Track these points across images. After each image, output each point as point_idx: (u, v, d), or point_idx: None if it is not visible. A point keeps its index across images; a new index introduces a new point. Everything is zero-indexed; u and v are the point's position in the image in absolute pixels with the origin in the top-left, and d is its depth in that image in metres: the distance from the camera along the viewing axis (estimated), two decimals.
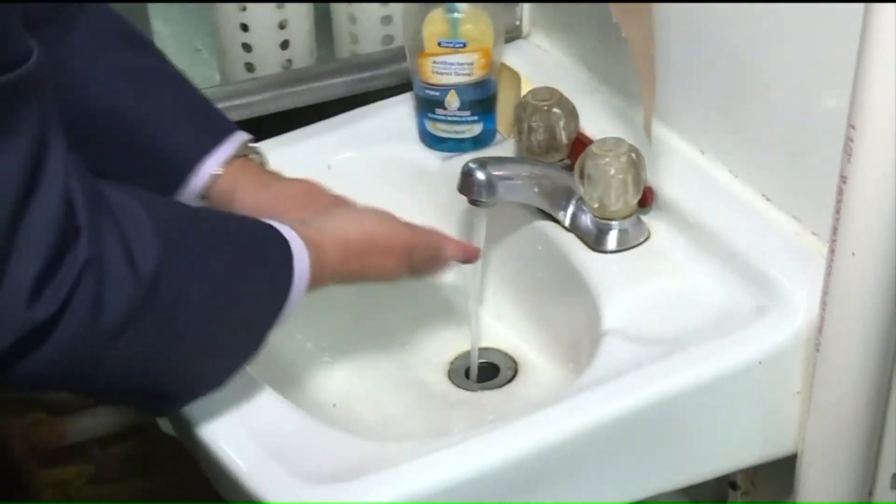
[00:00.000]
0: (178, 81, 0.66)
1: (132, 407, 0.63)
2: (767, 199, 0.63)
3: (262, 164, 0.67)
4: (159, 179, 0.62)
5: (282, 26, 0.81)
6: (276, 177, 0.66)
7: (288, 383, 0.65)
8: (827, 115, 0.55)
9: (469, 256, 0.67)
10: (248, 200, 0.63)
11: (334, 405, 0.68)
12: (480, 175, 0.64)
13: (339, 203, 0.65)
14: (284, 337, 0.60)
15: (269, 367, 0.59)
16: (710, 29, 0.63)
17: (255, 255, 0.55)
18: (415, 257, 0.62)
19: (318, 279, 0.55)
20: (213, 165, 0.63)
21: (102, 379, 0.48)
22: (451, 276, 0.71)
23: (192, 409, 0.54)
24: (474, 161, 0.65)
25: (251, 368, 0.56)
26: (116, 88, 0.63)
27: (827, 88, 0.56)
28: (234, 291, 0.52)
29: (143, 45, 0.67)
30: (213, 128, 0.65)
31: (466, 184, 0.65)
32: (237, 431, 0.55)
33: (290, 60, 0.81)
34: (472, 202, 0.66)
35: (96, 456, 1.02)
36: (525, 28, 0.83)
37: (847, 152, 0.49)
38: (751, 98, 0.62)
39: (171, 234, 0.48)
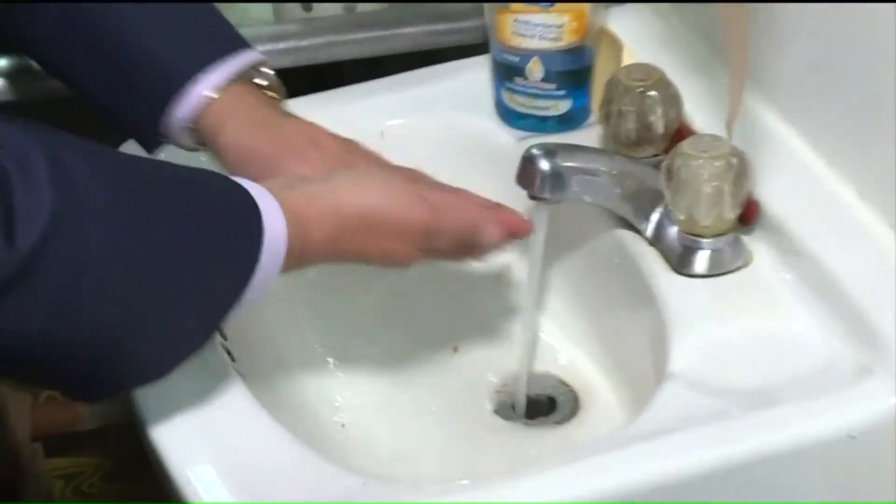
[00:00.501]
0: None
1: (58, 389, 0.62)
2: None
3: (271, 96, 0.66)
4: (143, 101, 0.63)
5: None
6: (280, 114, 0.65)
7: (288, 394, 0.67)
8: None
9: (517, 232, 0.64)
10: (235, 141, 0.62)
11: (343, 425, 0.69)
12: (544, 164, 0.63)
13: (351, 159, 0.64)
14: (289, 336, 0.62)
15: (267, 371, 0.62)
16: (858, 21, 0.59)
17: (207, 224, 0.53)
18: (438, 241, 0.61)
19: (299, 258, 0.55)
20: (206, 87, 0.62)
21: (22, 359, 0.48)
22: (506, 277, 0.73)
23: (160, 431, 0.55)
24: (539, 146, 0.64)
25: (240, 377, 0.57)
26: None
27: None
28: (171, 267, 0.50)
29: None
30: (214, 41, 0.64)
31: (526, 174, 0.65)
32: (207, 459, 0.55)
33: (353, 3, 0.83)
34: (532, 197, 0.65)
35: (115, 446, 1.01)
36: None
37: None
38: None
39: (79, 192, 0.46)
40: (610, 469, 0.54)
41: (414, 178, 0.63)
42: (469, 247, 0.63)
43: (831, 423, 0.55)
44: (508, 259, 0.73)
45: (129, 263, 0.48)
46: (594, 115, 0.75)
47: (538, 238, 0.67)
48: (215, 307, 0.53)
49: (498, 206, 0.65)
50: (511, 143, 0.75)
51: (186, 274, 0.51)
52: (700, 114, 0.69)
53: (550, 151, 0.64)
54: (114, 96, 0.64)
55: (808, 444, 0.55)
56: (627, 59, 0.73)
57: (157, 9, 0.64)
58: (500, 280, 0.74)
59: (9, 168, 0.43)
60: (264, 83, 0.66)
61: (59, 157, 0.45)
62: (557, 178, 0.64)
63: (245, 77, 0.64)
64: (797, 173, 0.65)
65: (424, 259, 0.62)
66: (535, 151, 0.64)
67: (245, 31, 0.69)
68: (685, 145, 0.63)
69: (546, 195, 0.64)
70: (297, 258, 0.54)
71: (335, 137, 0.66)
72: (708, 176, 0.61)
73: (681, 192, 0.62)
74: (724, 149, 0.62)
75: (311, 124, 0.66)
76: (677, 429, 0.56)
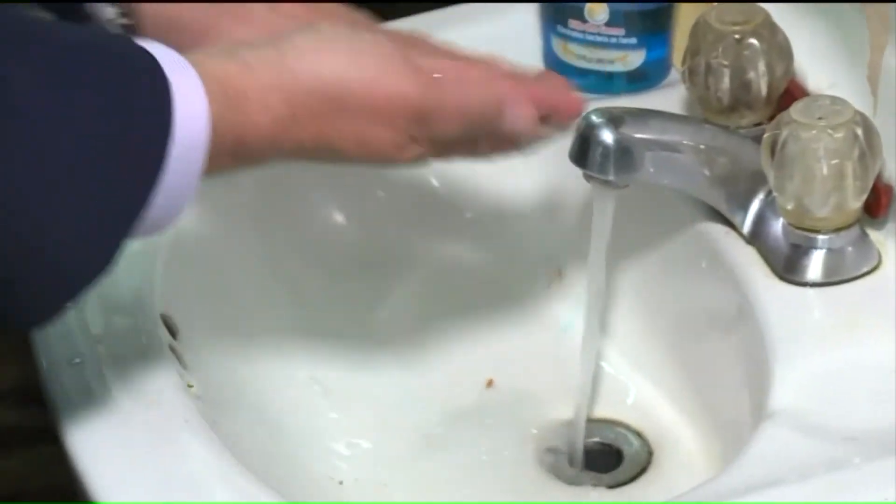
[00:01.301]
0: None
1: None
2: None
3: None
4: None
5: None
6: None
7: (264, 437, 0.69)
8: None
9: (562, 111, 0.65)
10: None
11: (340, 482, 0.72)
12: (608, 137, 0.66)
13: (316, 19, 0.64)
14: (266, 355, 0.66)
15: (234, 401, 0.65)
16: None
17: (100, 104, 0.52)
18: (440, 126, 0.60)
19: (233, 151, 0.55)
20: None
21: None
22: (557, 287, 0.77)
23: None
24: (600, 112, 0.67)
25: (195, 402, 0.61)
26: None
27: None
28: (56, 159, 0.51)
29: None
30: None
31: (584, 149, 0.67)
32: None
33: None
34: (590, 178, 0.67)
35: None
36: None
37: None
38: None
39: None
40: None
41: (408, 42, 0.63)
42: (493, 136, 0.63)
43: None
44: (559, 261, 0.78)
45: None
46: (676, 72, 0.81)
47: (601, 234, 0.70)
48: (115, 217, 0.53)
49: (536, 77, 0.66)
50: None
51: (77, 168, 0.51)
52: (817, 68, 0.73)
53: (616, 119, 0.67)
54: None
55: None
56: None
57: None
58: (548, 290, 0.78)
59: None
60: None
61: None
62: (625, 155, 0.66)
63: None
64: None
65: (426, 154, 0.62)
66: (594, 119, 0.66)
67: None
68: (795, 111, 0.66)
69: (610, 177, 0.67)
70: (230, 152, 0.55)
71: None
72: (825, 151, 0.64)
73: (789, 172, 0.65)
74: (846, 115, 0.65)
75: None
76: (781, 480, 0.57)
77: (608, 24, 0.77)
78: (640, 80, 0.79)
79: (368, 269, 0.79)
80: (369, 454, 0.75)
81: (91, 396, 0.61)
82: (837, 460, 0.58)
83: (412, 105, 0.59)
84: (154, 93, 0.52)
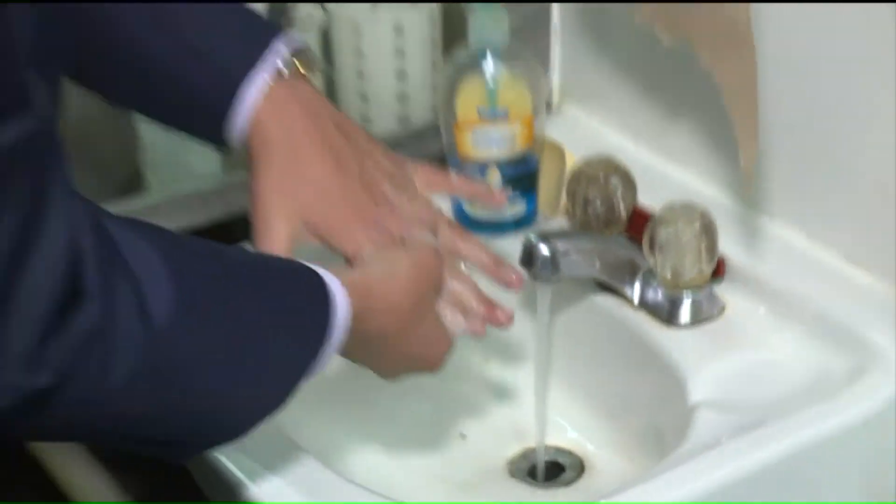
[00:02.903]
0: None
1: (141, 453, 0.79)
2: (850, 261, 0.93)
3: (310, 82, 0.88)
4: (199, 123, 0.88)
5: None
6: (320, 115, 0.88)
7: (297, 479, 0.83)
8: None
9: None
10: (267, 184, 0.86)
11: None
12: (544, 249, 0.90)
13: (376, 188, 0.88)
14: (298, 419, 0.83)
15: (273, 455, 0.82)
16: (778, 86, 0.92)
17: (286, 305, 0.74)
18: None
19: (354, 337, 0.75)
20: (256, 86, 0.85)
21: (108, 433, 0.69)
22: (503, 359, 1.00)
23: None
24: (537, 234, 0.91)
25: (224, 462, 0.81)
26: (138, 17, 0.86)
27: None
28: (258, 343, 0.71)
29: None
30: (255, 38, 0.87)
31: (529, 259, 0.91)
32: None
33: None
34: (535, 277, 0.91)
35: None
36: (556, 98, 1.15)
37: None
38: (825, 155, 0.92)
39: (188, 281, 0.66)
40: (682, 481, 0.81)
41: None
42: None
43: (846, 417, 0.84)
44: (508, 341, 1.00)
45: (228, 345, 0.69)
46: (541, 214, 1.06)
47: (543, 317, 0.94)
48: (290, 380, 0.73)
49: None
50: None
51: (269, 351, 0.72)
52: (643, 195, 0.99)
53: (546, 237, 0.91)
54: (177, 120, 0.89)
55: (830, 436, 0.84)
56: (569, 160, 1.04)
57: (189, 24, 0.87)
58: (503, 357, 1.02)
59: (130, 261, 0.63)
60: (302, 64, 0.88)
61: (170, 253, 0.66)
62: (556, 259, 0.90)
63: (285, 71, 0.87)
64: (749, 228, 0.98)
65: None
66: (533, 239, 0.91)
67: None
68: (664, 213, 0.93)
69: (548, 275, 0.91)
70: (351, 339, 0.75)
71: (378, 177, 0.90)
72: (689, 236, 0.91)
73: (665, 252, 0.92)
74: (697, 212, 0.92)
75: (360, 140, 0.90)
76: (722, 442, 0.83)
77: (501, 186, 1.01)
78: (523, 223, 1.03)
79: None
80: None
81: None
82: (754, 422, 0.84)
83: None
84: (319, 300, 0.74)
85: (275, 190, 0.86)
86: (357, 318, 0.75)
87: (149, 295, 0.62)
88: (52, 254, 0.59)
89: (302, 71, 0.89)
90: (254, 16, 0.92)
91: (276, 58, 0.87)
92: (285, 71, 0.87)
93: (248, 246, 0.86)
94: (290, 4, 1.14)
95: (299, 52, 0.89)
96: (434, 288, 0.84)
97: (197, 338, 0.66)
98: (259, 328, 0.71)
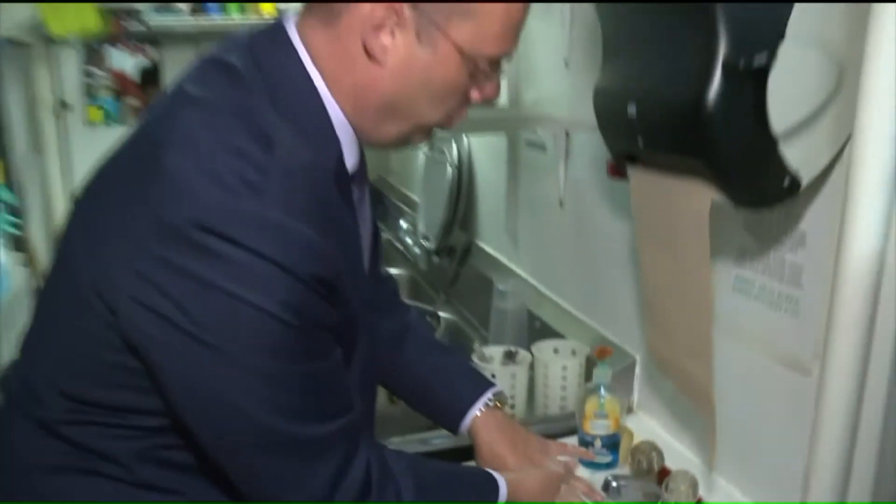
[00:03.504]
0: (458, 359, 1.95)
1: None
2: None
3: (503, 410, 1.88)
4: (445, 419, 1.85)
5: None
6: (506, 426, 1.85)
7: None
8: None
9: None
10: (486, 438, 1.80)
11: None
12: (614, 482, 1.93)
13: (536, 459, 1.85)
14: None
15: None
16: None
17: (478, 495, 1.60)
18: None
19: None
20: (472, 415, 1.83)
21: None
22: None
23: None
24: (611, 475, 1.93)
25: None
26: (423, 361, 1.88)
27: None
28: None
29: (433, 337, 1.96)
30: (477, 385, 1.86)
31: (607, 487, 1.93)
32: None
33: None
34: (607, 497, 1.94)
35: None
36: (634, 407, 2.22)
37: None
38: (747, 448, 1.95)
39: (425, 489, 1.40)
40: None
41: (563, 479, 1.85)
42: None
43: None
44: None
45: None
46: (620, 464, 2.07)
47: None
48: None
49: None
50: (586, 474, 2.03)
51: None
52: (669, 461, 2.00)
53: (616, 477, 1.93)
54: (433, 416, 1.89)
55: None
56: (636, 439, 2.07)
57: (448, 372, 1.90)
58: None
59: (374, 475, 1.38)
60: (499, 402, 1.89)
61: (416, 470, 1.57)
62: (619, 488, 1.91)
63: (490, 404, 1.87)
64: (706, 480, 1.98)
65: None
66: (609, 477, 1.91)
67: None
68: (673, 475, 1.88)
69: (615, 497, 1.92)
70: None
71: (530, 438, 1.92)
72: (685, 488, 1.87)
73: (671, 493, 1.90)
74: (689, 477, 1.88)
75: (518, 430, 1.91)
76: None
77: (602, 446, 2.03)
78: (611, 465, 2.03)
79: None
80: None
81: None
82: None
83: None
84: (493, 486, 1.62)
85: (485, 457, 1.85)
86: (510, 495, 1.62)
87: (402, 491, 1.40)
88: (356, 476, 1.35)
89: (499, 405, 1.89)
90: (478, 373, 1.97)
91: (486, 397, 1.87)
92: (490, 404, 1.86)
93: None
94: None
95: (498, 394, 1.88)
96: (553, 488, 1.78)
97: None
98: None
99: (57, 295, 1.41)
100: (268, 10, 4.55)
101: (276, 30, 1.37)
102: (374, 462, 1.39)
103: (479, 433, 1.86)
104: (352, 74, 1.33)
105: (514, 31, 1.34)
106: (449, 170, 3.32)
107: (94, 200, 1.38)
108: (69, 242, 1.40)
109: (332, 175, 1.32)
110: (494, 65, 1.36)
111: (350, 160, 1.38)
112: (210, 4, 4.55)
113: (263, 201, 1.20)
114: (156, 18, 4.50)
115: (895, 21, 1.28)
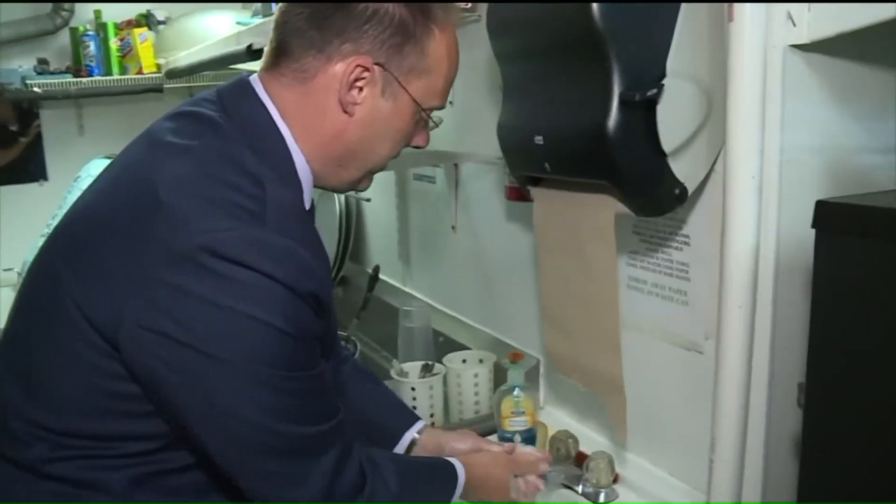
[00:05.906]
0: (391, 395, 2.10)
1: None
2: (674, 475, 2.11)
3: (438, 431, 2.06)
4: (386, 440, 1.99)
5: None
6: (445, 433, 2.04)
7: None
8: None
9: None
10: (456, 446, 1.98)
11: None
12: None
13: (477, 447, 2.02)
14: None
15: None
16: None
17: (444, 479, 1.78)
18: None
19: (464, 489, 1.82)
20: (412, 434, 1.99)
21: None
22: None
23: None
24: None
25: None
26: (363, 397, 2.02)
27: None
28: (433, 494, 1.73)
29: (371, 376, 2.09)
30: (408, 416, 2.02)
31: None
32: None
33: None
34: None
35: None
36: (542, 403, 2.43)
37: None
38: (652, 424, 2.19)
39: (405, 475, 1.67)
40: None
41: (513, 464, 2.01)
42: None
43: None
44: None
45: (419, 494, 1.72)
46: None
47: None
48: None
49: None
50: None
51: (435, 492, 1.78)
52: (583, 446, 2.22)
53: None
54: (370, 438, 2.00)
55: None
56: (550, 431, 2.27)
57: (384, 405, 2.07)
58: None
59: (365, 467, 1.59)
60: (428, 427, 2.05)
61: (396, 462, 1.77)
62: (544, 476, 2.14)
63: (422, 428, 2.02)
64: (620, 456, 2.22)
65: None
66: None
67: None
68: (592, 456, 2.10)
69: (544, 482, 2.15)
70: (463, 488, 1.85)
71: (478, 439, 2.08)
72: (603, 465, 2.08)
73: (592, 472, 2.08)
74: (606, 456, 2.10)
75: (466, 433, 2.08)
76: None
77: (522, 441, 2.29)
78: None
79: None
80: None
81: None
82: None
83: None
84: (454, 477, 1.81)
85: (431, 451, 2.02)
86: (467, 473, 1.82)
87: (391, 483, 1.59)
88: (353, 470, 1.51)
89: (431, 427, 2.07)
90: (405, 406, 2.13)
91: (417, 426, 2.02)
92: (422, 428, 2.03)
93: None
94: None
95: (425, 427, 2.05)
96: (503, 464, 1.95)
97: (408, 494, 1.60)
98: (431, 485, 1.76)
99: (30, 336, 1.45)
100: (149, 67, 4.67)
101: (243, 86, 1.53)
102: (364, 455, 1.57)
103: (425, 442, 2.04)
104: (321, 125, 1.51)
105: (449, 88, 1.57)
106: (337, 206, 3.49)
107: (79, 245, 1.43)
108: (45, 291, 1.44)
109: (304, 211, 1.50)
110: (429, 116, 1.57)
111: (307, 202, 1.55)
112: (91, 65, 4.66)
113: (265, 228, 1.33)
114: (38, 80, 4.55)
115: (750, 56, 1.53)
